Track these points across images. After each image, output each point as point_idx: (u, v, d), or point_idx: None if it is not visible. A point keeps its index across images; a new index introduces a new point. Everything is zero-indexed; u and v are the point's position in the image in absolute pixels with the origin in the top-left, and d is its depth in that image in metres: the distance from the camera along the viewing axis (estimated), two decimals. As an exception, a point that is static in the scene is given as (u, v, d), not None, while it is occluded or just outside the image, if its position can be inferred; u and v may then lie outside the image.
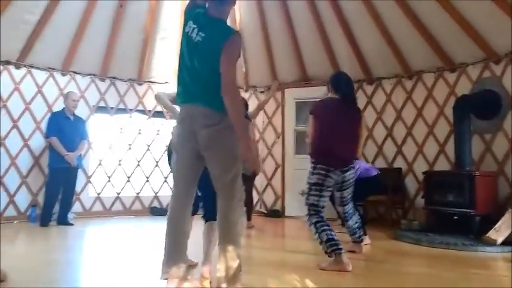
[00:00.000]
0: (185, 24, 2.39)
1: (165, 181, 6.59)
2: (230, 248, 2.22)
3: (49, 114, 5.47)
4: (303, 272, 2.95)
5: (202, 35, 2.29)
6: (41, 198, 5.40)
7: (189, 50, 2.32)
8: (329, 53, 6.14)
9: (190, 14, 2.41)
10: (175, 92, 2.48)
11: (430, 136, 5.46)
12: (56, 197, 5.19)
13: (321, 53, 6.17)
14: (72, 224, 5.13)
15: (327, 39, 6.03)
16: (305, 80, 6.52)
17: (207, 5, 2.40)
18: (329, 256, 3.04)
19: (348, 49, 5.90)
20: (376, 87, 6.04)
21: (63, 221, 5.12)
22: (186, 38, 2.36)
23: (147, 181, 6.48)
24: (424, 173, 5.10)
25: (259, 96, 6.81)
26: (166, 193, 6.57)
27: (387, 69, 5.83)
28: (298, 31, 6.19)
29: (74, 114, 5.38)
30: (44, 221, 5.00)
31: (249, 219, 5.11)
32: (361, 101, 6.02)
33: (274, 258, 3.67)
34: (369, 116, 5.97)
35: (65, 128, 5.20)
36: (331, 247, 3.01)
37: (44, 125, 5.44)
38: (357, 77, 6.10)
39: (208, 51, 2.25)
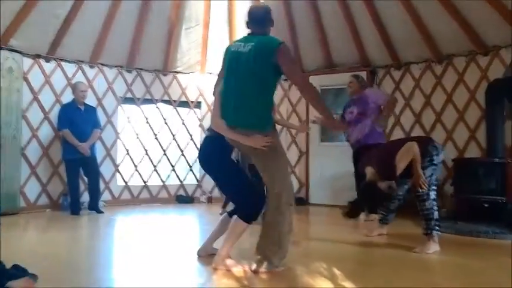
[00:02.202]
0: (227, 48, 2.71)
1: (191, 170, 6.69)
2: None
3: (59, 107, 5.52)
4: (330, 260, 2.96)
5: (252, 43, 2.54)
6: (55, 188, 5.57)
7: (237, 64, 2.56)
8: (355, 38, 6.01)
9: (231, 47, 2.71)
10: None
11: (460, 122, 5.30)
12: (77, 186, 5.32)
13: (347, 39, 6.05)
14: (102, 212, 5.31)
15: (353, 23, 5.90)
16: (330, 67, 6.42)
17: (249, 30, 2.67)
18: (428, 235, 3.19)
19: (375, 33, 5.76)
20: (404, 72, 5.89)
21: (94, 208, 5.31)
22: (232, 57, 2.60)
23: (173, 170, 6.60)
24: (453, 160, 4.97)
25: (283, 84, 6.75)
26: (191, 181, 6.69)
27: (416, 53, 5.67)
28: (324, 16, 6.08)
29: (84, 104, 5.42)
30: (74, 209, 5.17)
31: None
32: (388, 86, 5.98)
33: (302, 246, 3.68)
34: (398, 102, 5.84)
35: (76, 119, 5.24)
36: (438, 226, 3.23)
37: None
38: (384, 62, 5.99)
39: (260, 55, 2.50)
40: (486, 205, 4.29)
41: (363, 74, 6.00)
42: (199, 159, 2.90)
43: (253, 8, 2.81)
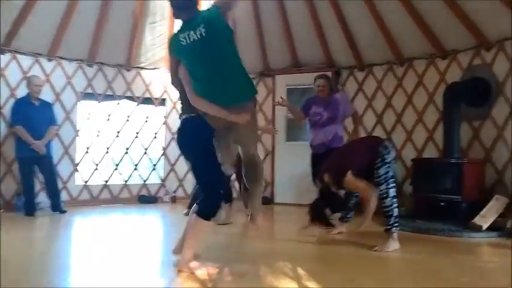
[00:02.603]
0: (175, 45, 2.60)
1: (154, 169, 6.55)
2: None
3: (12, 102, 5.23)
4: (294, 260, 2.97)
5: (198, 28, 2.49)
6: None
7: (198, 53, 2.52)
8: (321, 39, 6.08)
9: (175, 37, 2.63)
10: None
11: (419, 123, 5.49)
12: (32, 186, 5.06)
13: (313, 39, 6.11)
14: (65, 211, 5.08)
15: (319, 24, 5.97)
16: (297, 66, 6.47)
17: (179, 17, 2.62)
18: (388, 232, 3.27)
19: (340, 35, 5.86)
20: (367, 73, 6.03)
21: (57, 209, 5.07)
22: (189, 49, 2.53)
23: (136, 169, 6.43)
24: (412, 160, 5.14)
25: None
26: (155, 181, 6.55)
27: (379, 55, 5.81)
28: (291, 17, 6.12)
29: (39, 99, 5.13)
30: (29, 210, 4.91)
31: (246, 206, 5.09)
32: (351, 87, 6.10)
33: (266, 246, 3.69)
34: (359, 103, 5.98)
35: (30, 115, 4.95)
36: (397, 223, 3.31)
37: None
38: (349, 63, 6.10)
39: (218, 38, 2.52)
40: (443, 204, 4.46)
41: (328, 75, 6.12)
42: (179, 142, 2.77)
43: None
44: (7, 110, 5.29)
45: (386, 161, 3.37)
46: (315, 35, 6.08)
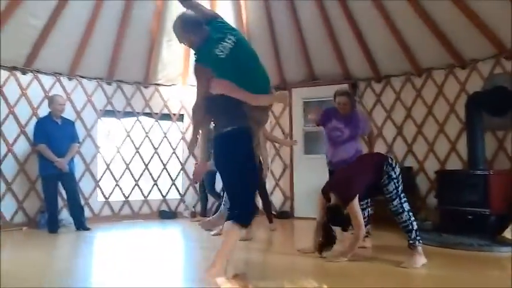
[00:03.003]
0: (214, 61, 2.58)
1: (173, 184, 6.57)
2: None
3: (35, 121, 5.34)
4: (320, 277, 2.91)
5: (230, 37, 2.60)
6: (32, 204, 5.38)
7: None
8: (337, 52, 6.07)
9: (208, 55, 2.59)
10: None
11: (441, 134, 5.39)
12: (56, 203, 5.12)
13: (328, 52, 6.11)
14: (89, 229, 5.11)
15: (334, 37, 5.97)
16: (313, 79, 6.45)
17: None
18: (412, 247, 3.19)
19: (356, 47, 5.84)
20: (384, 85, 5.98)
21: (80, 226, 5.10)
22: (229, 59, 2.57)
23: (155, 184, 6.46)
24: (436, 172, 5.04)
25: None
26: (174, 196, 6.56)
27: (396, 66, 5.76)
28: (305, 30, 6.13)
29: (61, 117, 5.22)
30: (52, 227, 4.97)
31: (270, 221, 5.06)
32: (369, 99, 6.05)
33: (289, 261, 3.63)
34: (378, 115, 5.93)
35: (53, 133, 5.04)
36: (419, 237, 3.23)
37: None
38: (365, 75, 6.06)
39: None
40: (470, 217, 4.34)
41: (345, 87, 6.10)
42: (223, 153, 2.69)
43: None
44: (30, 129, 5.40)
45: (392, 176, 3.32)
46: (330, 47, 6.07)
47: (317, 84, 6.38)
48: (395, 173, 3.33)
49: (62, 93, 5.68)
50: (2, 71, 5.23)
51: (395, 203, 3.28)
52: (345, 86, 4.47)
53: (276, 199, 6.50)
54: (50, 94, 5.64)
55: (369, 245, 3.87)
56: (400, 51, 5.55)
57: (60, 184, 5.17)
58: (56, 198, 5.16)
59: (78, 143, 5.47)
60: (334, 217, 3.33)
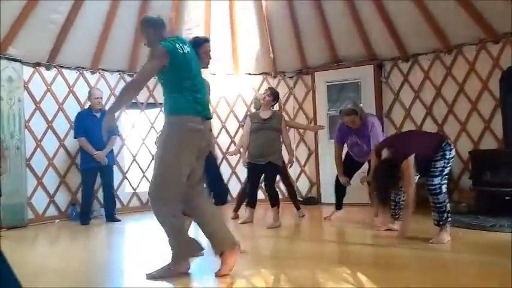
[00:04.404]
0: (174, 51, 2.58)
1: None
2: None
3: (62, 116, 5.46)
4: (352, 264, 2.84)
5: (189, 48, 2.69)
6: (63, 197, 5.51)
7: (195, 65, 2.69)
8: (360, 31, 5.86)
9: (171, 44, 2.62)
10: None
11: (474, 113, 5.16)
12: (91, 195, 5.25)
13: (351, 32, 5.89)
14: (119, 220, 5.20)
15: (357, 15, 5.75)
16: (336, 62, 6.27)
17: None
18: (442, 227, 3.22)
19: (381, 25, 5.62)
20: (412, 64, 5.75)
21: (110, 218, 5.20)
22: (184, 57, 2.61)
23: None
24: (470, 152, 4.84)
25: (288, 81, 6.65)
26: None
27: (424, 44, 5.53)
28: (327, 10, 5.92)
29: (100, 110, 5.28)
30: (84, 219, 5.08)
31: (298, 208, 5.02)
32: (396, 79, 5.85)
33: (319, 249, 3.57)
34: (405, 95, 5.73)
35: (92, 127, 5.07)
36: (449, 218, 3.27)
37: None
38: (392, 54, 5.85)
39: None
40: (508, 198, 4.15)
41: (370, 68, 5.92)
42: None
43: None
44: (57, 124, 5.49)
45: (446, 156, 3.27)
46: (353, 27, 5.86)
47: (341, 67, 6.21)
48: (449, 154, 3.30)
49: (85, 87, 5.73)
50: (27, 67, 5.29)
51: (436, 180, 3.23)
52: (348, 107, 4.17)
53: (302, 185, 6.42)
54: (74, 88, 5.70)
55: (397, 228, 3.78)
56: (428, 27, 5.31)
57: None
58: (93, 191, 5.28)
59: (118, 135, 5.53)
60: (385, 171, 3.28)
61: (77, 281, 2.71)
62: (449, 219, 3.28)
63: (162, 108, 2.72)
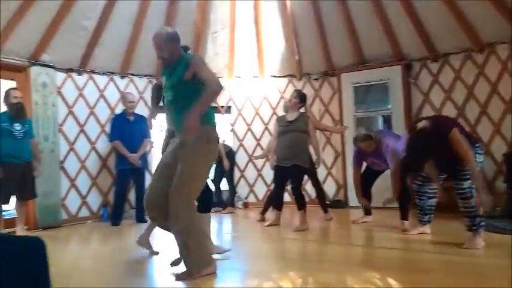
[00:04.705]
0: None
1: (225, 176, 6.61)
2: None
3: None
4: (381, 268, 2.79)
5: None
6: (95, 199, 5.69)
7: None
8: (387, 31, 5.75)
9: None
10: None
11: (508, 114, 4.97)
12: (123, 197, 5.41)
13: (378, 32, 5.80)
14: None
15: (384, 14, 5.65)
16: (362, 63, 6.19)
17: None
18: (474, 232, 3.12)
19: (409, 24, 5.50)
20: (442, 64, 5.60)
21: (141, 220, 5.28)
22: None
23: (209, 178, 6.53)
24: (504, 154, 4.66)
25: (314, 83, 6.61)
26: (226, 187, 6.60)
27: (454, 43, 5.38)
28: (353, 9, 5.84)
29: (133, 114, 5.42)
30: (115, 220, 5.22)
31: (325, 211, 4.99)
32: (425, 80, 5.71)
33: (345, 252, 3.53)
34: (435, 96, 5.59)
35: (126, 130, 5.27)
36: (483, 223, 3.14)
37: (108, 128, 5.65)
38: (420, 54, 5.72)
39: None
40: (545, 202, 3.98)
41: (398, 69, 5.80)
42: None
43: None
44: (87, 128, 5.67)
45: (477, 159, 3.16)
46: (380, 27, 5.76)
47: (367, 68, 6.12)
48: (479, 157, 3.22)
49: (115, 92, 5.89)
50: (60, 73, 5.48)
51: (465, 184, 3.11)
52: (362, 133, 4.19)
53: (329, 188, 6.36)
54: (104, 93, 5.87)
55: (429, 231, 3.73)
56: (458, 26, 5.16)
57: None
58: (126, 192, 5.44)
59: (150, 137, 5.64)
60: (421, 139, 3.17)
61: (107, 280, 2.78)
62: (483, 223, 3.16)
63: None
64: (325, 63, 6.45)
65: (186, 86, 2.66)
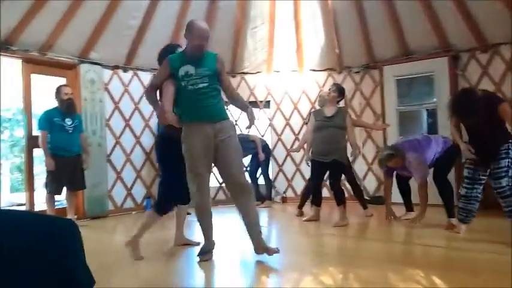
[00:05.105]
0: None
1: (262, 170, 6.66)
2: None
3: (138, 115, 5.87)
4: (424, 266, 2.72)
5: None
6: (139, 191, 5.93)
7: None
8: (432, 20, 5.50)
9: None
10: None
11: None
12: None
13: (423, 22, 5.55)
14: (189, 213, 5.47)
15: (429, 3, 5.40)
16: (406, 55, 5.98)
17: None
18: None
19: (456, 14, 5.25)
20: (492, 55, 5.31)
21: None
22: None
23: (246, 170, 6.59)
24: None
25: (354, 77, 6.48)
26: (264, 182, 6.63)
27: (505, 32, 5.06)
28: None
29: None
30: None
31: (364, 207, 4.92)
32: (474, 72, 5.44)
33: (386, 249, 3.46)
34: (485, 88, 5.29)
35: None
36: None
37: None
38: (468, 45, 5.45)
39: None
40: None
41: (444, 60, 5.56)
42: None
43: None
44: (132, 123, 5.90)
45: (510, 155, 3.06)
46: (424, 16, 5.50)
47: (411, 60, 5.91)
48: None
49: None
50: (106, 70, 5.73)
51: (503, 182, 3.03)
52: (385, 154, 4.22)
53: (369, 184, 6.23)
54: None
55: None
56: (509, 14, 4.86)
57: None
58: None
59: None
60: (465, 99, 3.17)
61: (150, 269, 2.89)
62: None
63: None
64: (366, 56, 6.29)
65: (217, 77, 2.96)
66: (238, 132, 3.47)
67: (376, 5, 5.77)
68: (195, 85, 2.87)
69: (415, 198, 4.43)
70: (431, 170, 4.14)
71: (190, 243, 3.53)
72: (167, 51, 3.31)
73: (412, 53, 5.93)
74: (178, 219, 3.56)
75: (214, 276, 2.83)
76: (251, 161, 6.20)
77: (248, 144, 5.86)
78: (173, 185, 3.14)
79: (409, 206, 4.57)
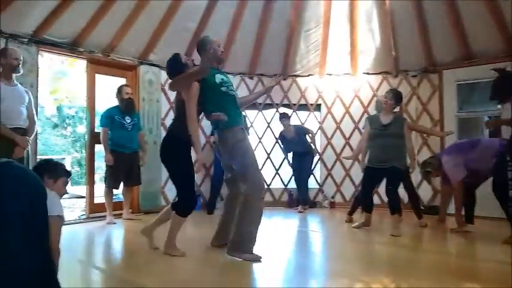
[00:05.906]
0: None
1: (311, 174, 6.59)
2: None
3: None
4: (483, 281, 2.55)
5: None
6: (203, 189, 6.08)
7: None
8: (498, 21, 5.13)
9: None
10: None
11: None
12: (218, 189, 5.79)
13: (488, 23, 5.22)
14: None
15: (495, 5, 5.07)
16: (468, 59, 5.66)
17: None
18: None
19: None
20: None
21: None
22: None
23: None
24: None
25: (411, 80, 6.24)
26: (312, 186, 6.57)
27: None
28: (459, 1, 5.37)
29: None
30: (210, 208, 5.68)
31: (419, 217, 4.75)
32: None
33: (444, 261, 3.29)
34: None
35: None
36: None
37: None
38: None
39: None
40: None
41: (508, 66, 5.18)
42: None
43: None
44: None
45: None
46: (490, 17, 5.18)
47: (473, 64, 5.59)
48: None
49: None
50: (163, 71, 5.91)
51: None
52: (425, 172, 4.57)
53: (424, 193, 5.95)
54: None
55: None
56: None
57: None
58: (222, 183, 5.74)
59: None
60: None
61: (195, 261, 2.96)
62: None
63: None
64: (425, 59, 6.03)
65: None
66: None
67: (436, 5, 5.51)
68: (233, 92, 3.28)
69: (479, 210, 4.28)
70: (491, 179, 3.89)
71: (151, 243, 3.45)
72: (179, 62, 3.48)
73: (474, 57, 5.61)
74: (164, 216, 3.46)
75: (262, 279, 2.84)
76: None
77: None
78: (192, 185, 3.31)
79: (469, 217, 4.31)
